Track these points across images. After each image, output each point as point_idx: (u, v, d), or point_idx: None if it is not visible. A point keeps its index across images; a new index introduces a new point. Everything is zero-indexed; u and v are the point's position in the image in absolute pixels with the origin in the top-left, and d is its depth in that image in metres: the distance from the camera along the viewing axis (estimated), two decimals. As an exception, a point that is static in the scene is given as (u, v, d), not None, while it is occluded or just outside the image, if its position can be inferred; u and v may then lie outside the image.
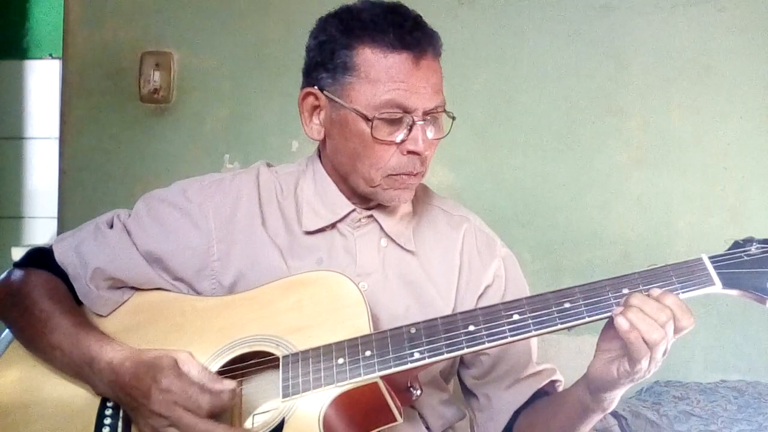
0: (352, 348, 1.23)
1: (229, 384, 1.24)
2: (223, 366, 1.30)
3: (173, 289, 1.43)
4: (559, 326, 1.19)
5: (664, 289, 1.18)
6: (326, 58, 1.36)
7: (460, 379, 1.55)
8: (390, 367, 1.20)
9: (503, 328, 1.20)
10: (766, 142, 2.54)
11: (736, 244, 1.21)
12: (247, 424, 1.30)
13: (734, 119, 2.56)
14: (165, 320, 1.38)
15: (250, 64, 2.74)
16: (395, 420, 1.24)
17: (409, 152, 1.35)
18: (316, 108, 1.41)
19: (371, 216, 1.45)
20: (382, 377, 1.20)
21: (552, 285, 1.24)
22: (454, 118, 1.39)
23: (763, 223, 2.49)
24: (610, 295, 1.19)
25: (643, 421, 2.18)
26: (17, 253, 2.67)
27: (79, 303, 1.42)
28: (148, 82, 2.72)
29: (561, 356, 2.31)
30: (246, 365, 1.30)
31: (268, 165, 1.54)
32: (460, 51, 2.61)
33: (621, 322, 1.14)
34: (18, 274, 1.45)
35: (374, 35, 1.32)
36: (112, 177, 2.76)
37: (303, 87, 1.42)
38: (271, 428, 1.22)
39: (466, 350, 1.20)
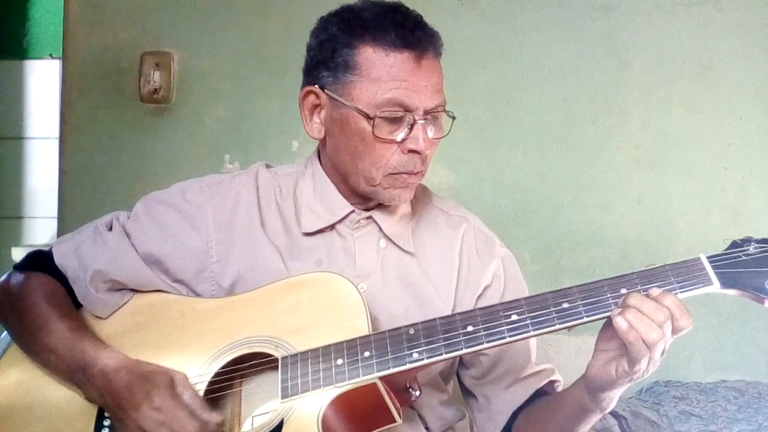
0: (350, 349, 1.23)
1: (216, 417, 1.25)
2: (223, 367, 1.30)
3: (173, 291, 1.43)
4: (558, 326, 1.19)
5: (662, 289, 1.18)
6: (327, 57, 1.36)
7: (459, 380, 1.55)
8: (389, 368, 1.20)
9: (502, 328, 1.20)
10: (766, 142, 2.54)
11: (735, 244, 1.21)
12: (247, 425, 1.30)
13: (734, 119, 2.55)
14: (164, 322, 1.38)
15: (250, 64, 2.74)
16: (394, 421, 1.24)
17: (410, 151, 1.35)
18: (316, 107, 1.41)
19: (370, 217, 1.45)
20: (380, 378, 1.20)
21: (552, 285, 1.24)
22: (454, 118, 1.39)
23: (763, 223, 2.48)
24: (609, 295, 1.19)
25: (643, 421, 2.18)
26: (17, 253, 2.67)
27: (78, 305, 1.43)
28: (148, 82, 2.72)
29: (561, 356, 2.31)
30: (245, 366, 1.30)
31: (267, 166, 1.54)
32: (460, 51, 2.61)
33: (620, 323, 1.14)
34: (17, 276, 1.45)
35: (376, 34, 1.32)
36: (112, 177, 2.75)
37: (304, 86, 1.42)
38: (270, 429, 1.22)
39: (464, 351, 1.20)
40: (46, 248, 1.48)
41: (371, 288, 1.40)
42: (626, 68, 2.61)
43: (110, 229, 1.47)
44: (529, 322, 1.20)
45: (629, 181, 2.59)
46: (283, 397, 1.23)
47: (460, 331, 1.21)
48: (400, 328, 1.24)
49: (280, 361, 1.25)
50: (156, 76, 2.72)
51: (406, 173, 1.37)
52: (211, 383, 1.29)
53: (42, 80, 3.18)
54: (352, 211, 1.44)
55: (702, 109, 2.57)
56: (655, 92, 2.59)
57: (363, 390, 1.21)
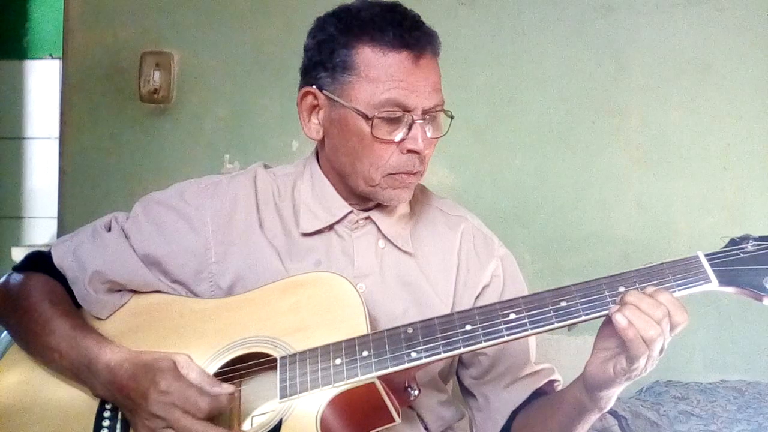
0: (349, 348, 1.23)
1: (227, 387, 1.24)
2: (222, 367, 1.30)
3: (171, 292, 1.43)
4: (556, 325, 1.19)
5: (660, 286, 1.18)
6: (325, 58, 1.36)
7: (458, 379, 1.55)
8: (387, 367, 1.20)
9: (500, 327, 1.20)
10: (766, 142, 2.54)
11: (733, 242, 1.21)
12: (246, 425, 1.30)
13: (734, 119, 2.55)
14: (163, 322, 1.39)
15: (250, 64, 2.74)
16: (393, 420, 1.24)
17: (409, 151, 1.35)
18: (315, 107, 1.41)
19: (369, 217, 1.45)
20: (379, 377, 1.21)
21: (552, 285, 1.24)
22: (452, 118, 1.39)
23: (763, 223, 2.48)
24: (607, 294, 1.19)
25: (643, 421, 2.17)
26: (17, 253, 2.67)
27: (78, 306, 1.43)
28: (148, 82, 2.72)
29: (561, 356, 2.30)
30: (244, 366, 1.30)
31: (266, 166, 1.54)
32: (460, 51, 2.60)
33: (619, 319, 1.14)
34: (17, 277, 1.45)
35: (374, 34, 1.32)
36: (112, 177, 2.75)
37: (301, 86, 1.42)
38: (269, 429, 1.22)
39: (463, 350, 1.20)
40: (46, 249, 1.48)
41: (370, 288, 1.40)
42: (626, 68, 2.60)
43: (109, 230, 1.47)
44: (527, 320, 1.20)
45: (629, 181, 2.58)
46: (282, 397, 1.23)
47: (459, 330, 1.21)
48: (398, 327, 1.24)
49: (278, 361, 1.26)
50: (156, 76, 2.72)
51: (405, 173, 1.37)
52: (209, 383, 1.29)
53: (42, 80, 3.17)
54: (351, 212, 1.44)
55: (702, 109, 2.56)
56: (655, 92, 2.59)
57: (362, 390, 1.21)
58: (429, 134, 1.36)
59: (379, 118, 1.32)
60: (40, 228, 3.19)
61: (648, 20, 2.59)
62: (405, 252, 1.46)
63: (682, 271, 1.20)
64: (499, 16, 2.65)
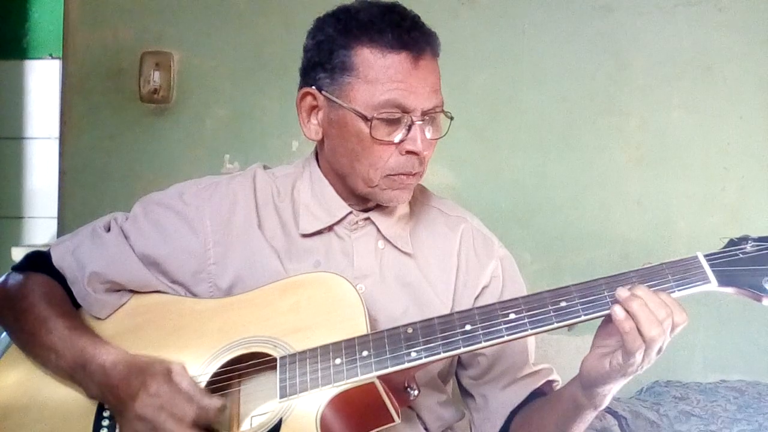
0: (349, 348, 1.23)
1: (216, 401, 1.24)
2: (221, 367, 1.30)
3: (171, 292, 1.43)
4: (556, 325, 1.19)
5: (660, 286, 1.18)
6: (324, 58, 1.36)
7: (457, 380, 1.55)
8: (387, 367, 1.20)
9: (500, 327, 1.20)
10: (766, 142, 2.54)
11: (732, 242, 1.22)
12: (245, 425, 1.30)
13: (734, 119, 2.55)
14: (163, 322, 1.38)
15: (250, 64, 2.74)
16: (393, 420, 1.24)
17: (408, 152, 1.35)
18: (314, 108, 1.41)
19: (368, 218, 1.45)
20: (379, 377, 1.20)
21: (552, 285, 1.24)
22: (452, 118, 1.39)
23: (763, 223, 2.48)
24: (606, 294, 1.19)
25: (643, 421, 2.18)
26: (17, 253, 2.67)
27: (77, 307, 1.43)
28: (148, 82, 2.72)
29: (561, 356, 2.31)
30: (244, 366, 1.30)
31: (265, 167, 1.54)
32: (460, 51, 2.61)
33: (617, 311, 1.15)
34: (15, 277, 1.45)
35: (373, 35, 1.32)
36: (112, 177, 2.75)
37: (301, 87, 1.42)
38: (269, 429, 1.22)
39: (462, 349, 1.21)
40: (45, 249, 1.48)
41: (369, 289, 1.40)
42: (626, 68, 2.61)
43: (108, 230, 1.47)
44: (526, 320, 1.20)
45: (629, 181, 2.59)
46: (282, 396, 1.23)
47: (458, 330, 1.21)
48: (398, 327, 1.24)
49: (278, 361, 1.25)
50: (156, 76, 2.72)
51: (404, 174, 1.37)
52: (209, 383, 1.29)
53: (42, 80, 3.17)
54: (350, 213, 1.44)
55: (702, 109, 2.57)
56: (655, 92, 2.59)
57: (361, 389, 1.21)
58: (428, 135, 1.36)
59: (378, 119, 1.32)
60: (40, 228, 3.19)
61: (648, 20, 2.59)
62: (404, 252, 1.46)
63: (682, 271, 1.20)
64: (499, 16, 2.65)
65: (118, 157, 2.76)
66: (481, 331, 1.21)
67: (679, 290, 1.19)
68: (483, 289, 1.49)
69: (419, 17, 1.37)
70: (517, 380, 1.48)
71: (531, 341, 1.50)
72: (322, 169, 1.47)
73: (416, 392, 1.29)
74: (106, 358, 1.30)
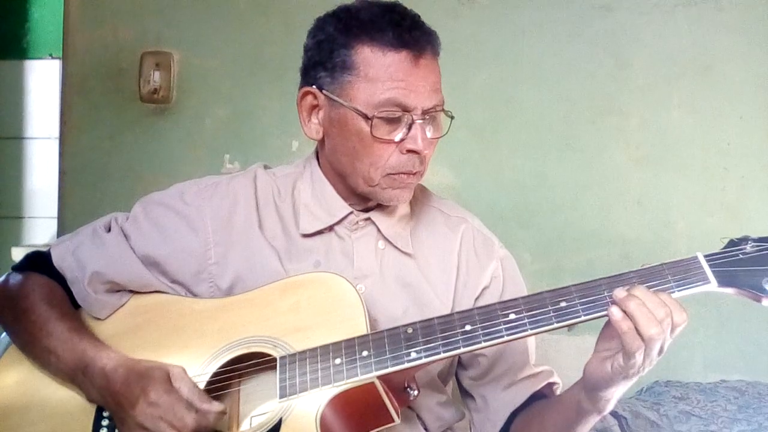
0: (349, 348, 1.22)
1: (217, 406, 1.24)
2: (222, 367, 1.30)
3: (171, 292, 1.43)
4: (555, 325, 1.19)
5: (660, 287, 1.18)
6: (325, 57, 1.36)
7: (457, 380, 1.54)
8: (387, 367, 1.20)
9: (500, 327, 1.20)
10: (766, 142, 2.54)
11: (732, 243, 1.21)
12: (245, 425, 1.30)
13: (734, 119, 2.55)
14: (163, 322, 1.38)
15: (250, 64, 2.74)
16: (392, 420, 1.24)
17: (409, 151, 1.35)
18: (314, 107, 1.41)
19: (369, 218, 1.45)
20: (379, 377, 1.20)
21: (552, 285, 1.24)
22: (452, 118, 1.38)
23: (763, 223, 2.48)
24: (606, 294, 1.19)
25: (643, 421, 2.18)
26: (17, 253, 2.67)
27: (77, 307, 1.42)
28: (148, 82, 2.72)
29: (561, 356, 2.31)
30: (244, 366, 1.30)
31: (266, 167, 1.54)
32: (460, 51, 2.61)
33: (614, 311, 1.15)
34: (15, 277, 1.45)
35: (373, 34, 1.32)
36: (112, 177, 2.76)
37: (301, 86, 1.42)
38: (269, 429, 1.22)
39: (462, 349, 1.20)
40: (45, 249, 1.48)
41: (369, 289, 1.40)
42: (626, 68, 2.61)
43: (109, 230, 1.47)
44: (526, 321, 1.20)
45: (629, 181, 2.59)
46: (282, 396, 1.23)
47: (458, 330, 1.21)
48: (398, 327, 1.24)
49: (278, 361, 1.25)
50: (156, 76, 2.72)
51: (404, 173, 1.37)
52: (209, 383, 1.29)
53: (42, 80, 3.17)
54: (351, 213, 1.44)
55: (702, 109, 2.57)
56: (655, 92, 2.59)
57: (361, 389, 1.21)
58: (429, 134, 1.36)
59: (378, 117, 1.32)
60: (40, 228, 3.19)
61: (648, 20, 2.60)
62: (405, 253, 1.46)
63: (682, 271, 1.20)
64: (499, 16, 2.65)
65: (118, 157, 2.77)
66: (481, 332, 1.20)
67: (679, 290, 1.18)
68: (483, 289, 1.49)
69: (419, 16, 1.37)
70: (517, 382, 1.47)
71: (531, 342, 1.50)
72: (322, 168, 1.46)
73: (416, 392, 1.29)
74: (106, 362, 1.30)
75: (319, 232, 1.44)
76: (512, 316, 1.20)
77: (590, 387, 1.24)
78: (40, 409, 1.35)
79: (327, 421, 1.20)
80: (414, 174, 1.38)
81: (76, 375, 1.32)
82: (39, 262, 1.46)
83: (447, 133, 1.39)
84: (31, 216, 3.19)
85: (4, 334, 1.44)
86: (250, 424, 1.29)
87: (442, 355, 1.21)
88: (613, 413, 2.13)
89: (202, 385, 1.28)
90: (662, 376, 2.42)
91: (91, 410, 1.32)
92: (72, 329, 1.35)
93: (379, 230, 1.45)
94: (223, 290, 1.41)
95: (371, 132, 1.32)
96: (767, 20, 2.55)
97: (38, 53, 3.19)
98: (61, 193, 2.80)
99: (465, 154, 2.61)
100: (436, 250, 1.49)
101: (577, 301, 1.20)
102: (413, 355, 1.21)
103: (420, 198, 1.54)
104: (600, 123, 2.61)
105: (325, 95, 1.37)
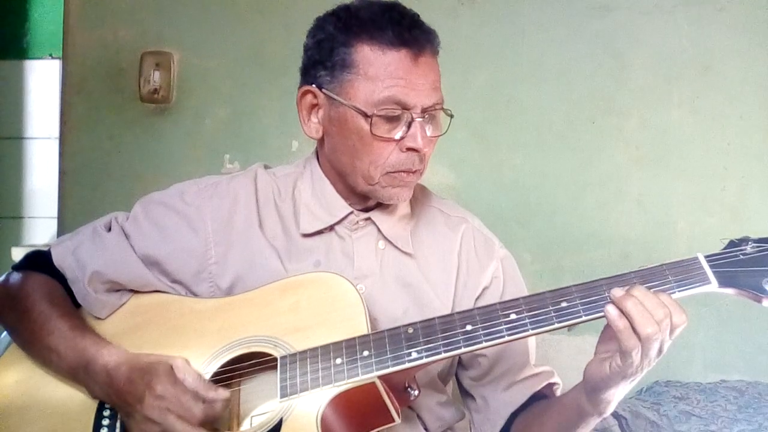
0: (349, 348, 1.22)
1: (223, 393, 1.24)
2: (222, 367, 1.30)
3: (171, 292, 1.43)
4: (556, 325, 1.19)
5: (661, 287, 1.18)
6: (325, 56, 1.36)
7: (457, 381, 1.54)
8: (387, 367, 1.20)
9: (500, 327, 1.20)
10: (766, 142, 2.54)
11: (732, 243, 1.22)
12: (245, 424, 1.30)
13: (734, 119, 2.55)
14: (163, 322, 1.38)
15: (250, 64, 2.74)
16: (393, 420, 1.24)
17: (408, 149, 1.35)
18: (314, 106, 1.41)
19: (369, 218, 1.45)
20: (379, 377, 1.20)
21: (552, 285, 1.24)
22: (452, 116, 1.39)
23: (763, 223, 2.48)
24: (606, 294, 1.19)
25: (643, 421, 2.18)
26: (17, 253, 2.67)
27: (77, 306, 1.42)
28: (148, 82, 2.72)
29: (561, 356, 2.31)
30: (244, 366, 1.30)
31: (266, 167, 1.54)
32: (460, 51, 2.61)
33: (609, 310, 1.15)
34: (16, 276, 1.45)
35: (373, 33, 1.32)
36: (112, 177, 2.75)
37: (301, 85, 1.42)
38: (269, 429, 1.22)
39: (463, 350, 1.20)
40: (45, 249, 1.48)
41: (370, 289, 1.40)
42: (626, 68, 2.60)
43: (109, 230, 1.47)
44: (527, 321, 1.20)
45: (629, 181, 2.59)
46: (282, 396, 1.23)
47: (459, 330, 1.21)
48: (398, 327, 1.24)
49: (279, 361, 1.25)
50: (156, 76, 2.72)
51: (404, 172, 1.37)
52: (209, 383, 1.29)
53: (42, 80, 3.17)
54: (351, 213, 1.44)
55: (702, 109, 2.57)
56: (655, 92, 2.59)
57: (362, 389, 1.21)
58: (428, 133, 1.36)
59: (378, 116, 1.32)
60: (40, 228, 3.19)
61: (648, 20, 2.59)
62: (405, 253, 1.46)
63: (682, 272, 1.20)
64: (499, 16, 2.65)
65: (118, 157, 2.76)
66: (481, 332, 1.20)
67: (680, 291, 1.18)
68: (483, 289, 1.49)
69: (419, 15, 1.37)
70: (517, 382, 1.47)
71: (532, 342, 1.50)
72: (322, 168, 1.46)
73: (416, 392, 1.29)
74: (108, 359, 1.30)
75: (320, 232, 1.44)
76: (513, 316, 1.20)
77: (590, 388, 1.24)
78: (41, 408, 1.35)
79: (328, 421, 1.20)
80: (414, 172, 1.38)
81: (78, 373, 1.32)
82: (39, 261, 1.46)
83: (446, 131, 1.40)
84: (31, 216, 3.19)
85: (5, 333, 1.44)
86: (251, 423, 1.29)
87: (443, 355, 1.21)
88: (613, 413, 2.12)
89: None
90: (662, 376, 2.41)
91: (91, 409, 1.32)
92: (73, 327, 1.35)
93: (379, 230, 1.45)
94: (223, 290, 1.41)
95: (371, 130, 1.32)
96: (767, 20, 2.55)
97: (38, 53, 3.20)
98: (61, 193, 2.80)
99: (465, 154, 2.61)
100: (437, 250, 1.49)
101: (577, 302, 1.20)
102: (414, 355, 1.21)
103: (420, 198, 1.54)
104: (600, 123, 2.61)
105: (324, 94, 1.37)
